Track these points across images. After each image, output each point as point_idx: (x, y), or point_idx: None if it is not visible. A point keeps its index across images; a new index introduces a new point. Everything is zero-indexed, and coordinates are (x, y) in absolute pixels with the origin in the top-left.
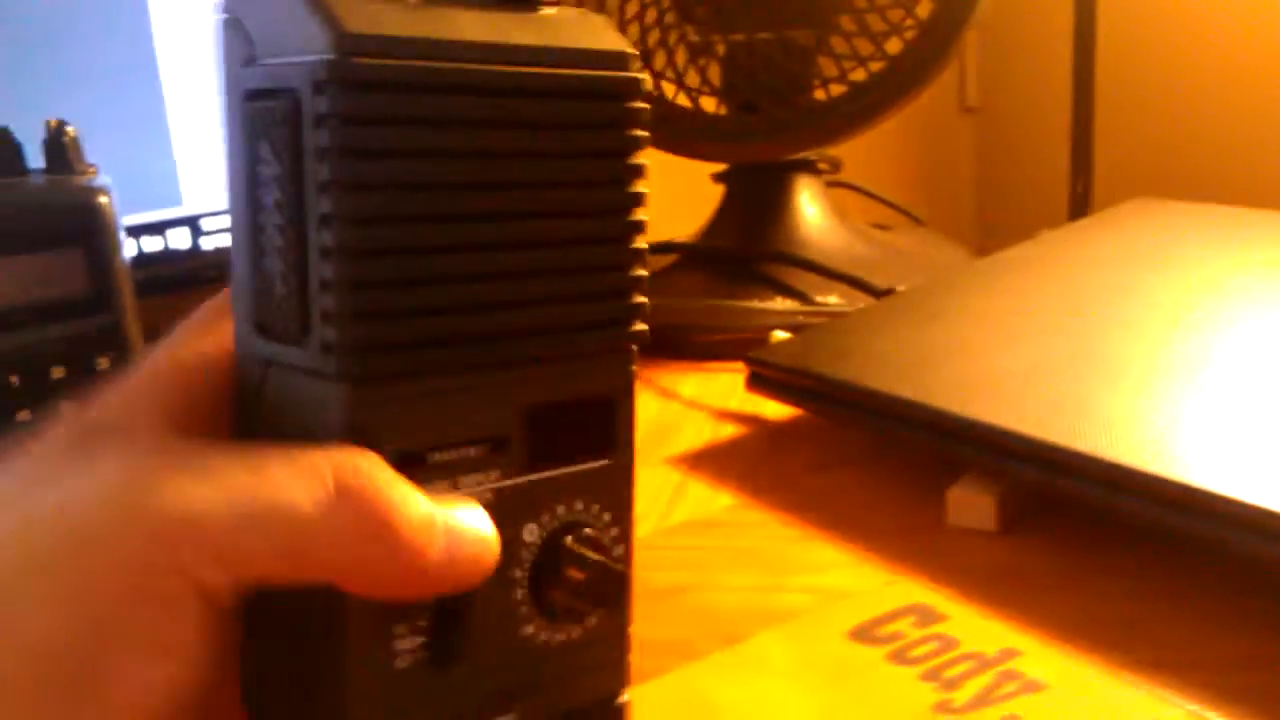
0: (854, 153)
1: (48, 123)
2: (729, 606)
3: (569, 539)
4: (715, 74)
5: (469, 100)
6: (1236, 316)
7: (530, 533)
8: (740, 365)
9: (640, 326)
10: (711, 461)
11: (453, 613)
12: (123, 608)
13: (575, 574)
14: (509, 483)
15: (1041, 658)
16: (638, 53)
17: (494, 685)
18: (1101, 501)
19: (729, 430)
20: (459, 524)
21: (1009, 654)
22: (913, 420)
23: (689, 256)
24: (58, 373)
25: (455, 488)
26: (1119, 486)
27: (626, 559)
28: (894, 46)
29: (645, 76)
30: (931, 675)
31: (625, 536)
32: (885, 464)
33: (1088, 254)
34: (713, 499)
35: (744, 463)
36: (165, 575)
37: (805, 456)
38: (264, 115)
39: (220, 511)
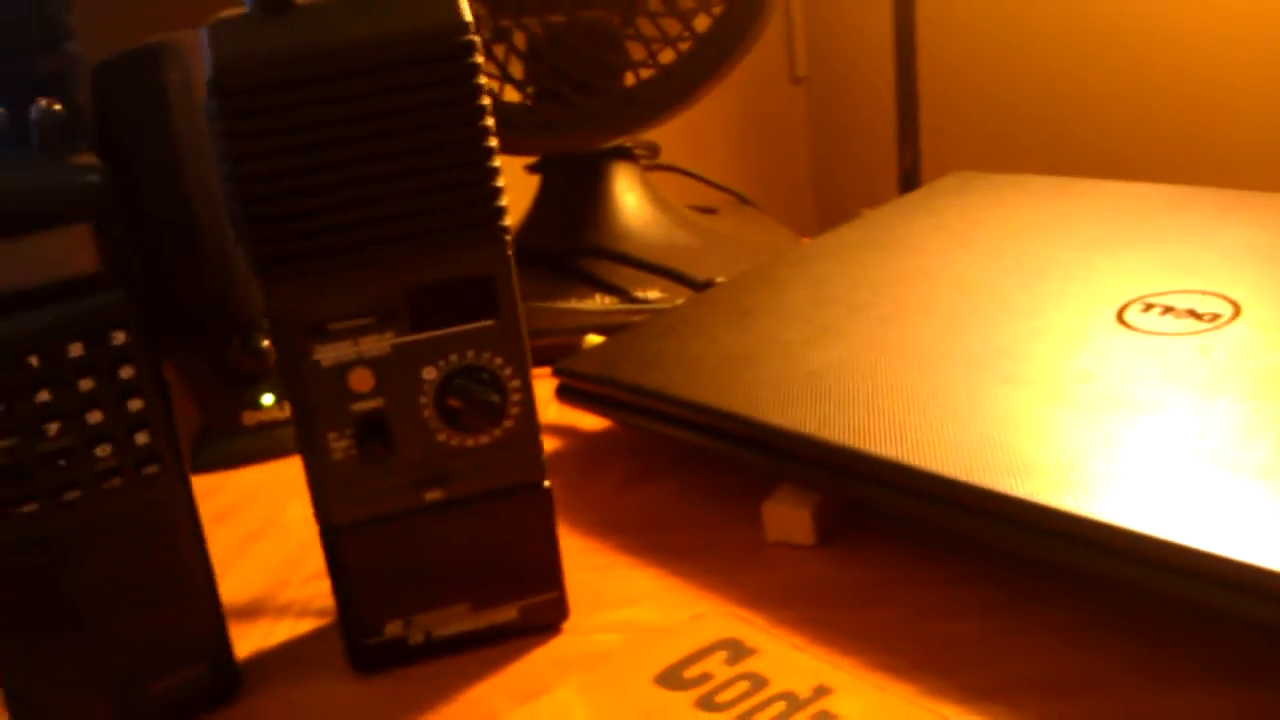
0: (684, 132)
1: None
2: (529, 656)
3: (459, 379)
4: (516, 66)
5: (312, 86)
6: (1049, 299)
7: (429, 373)
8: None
9: (502, 222)
10: None
11: (373, 425)
12: None
13: (454, 404)
14: (402, 340)
15: (855, 694)
16: (471, 20)
17: (421, 474)
18: (916, 512)
19: (545, 444)
20: None
21: (821, 692)
22: (721, 430)
23: None
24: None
25: (357, 345)
26: (933, 496)
27: (526, 391)
28: (702, 24)
29: (474, 38)
30: None
31: (521, 375)
32: (701, 476)
33: (905, 235)
34: None
35: (558, 480)
36: None
37: (620, 471)
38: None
39: None
